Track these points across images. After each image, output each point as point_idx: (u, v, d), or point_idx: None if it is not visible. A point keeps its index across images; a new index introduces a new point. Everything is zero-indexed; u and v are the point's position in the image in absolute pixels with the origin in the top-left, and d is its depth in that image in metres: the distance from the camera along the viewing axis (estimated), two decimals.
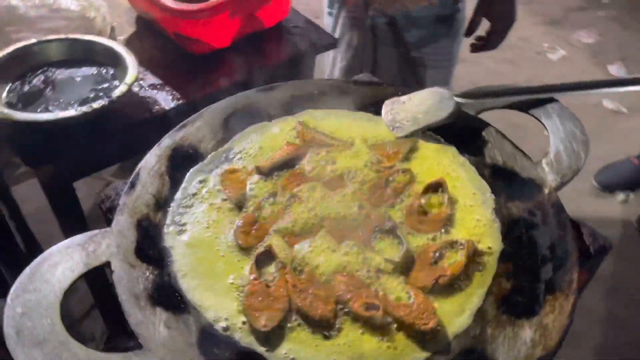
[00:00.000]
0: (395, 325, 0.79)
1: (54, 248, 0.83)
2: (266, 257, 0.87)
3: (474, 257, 0.88)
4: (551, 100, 1.11)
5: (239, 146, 1.06)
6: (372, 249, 0.89)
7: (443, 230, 0.92)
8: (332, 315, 0.79)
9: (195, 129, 1.08)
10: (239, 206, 0.95)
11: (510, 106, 1.13)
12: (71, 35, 1.23)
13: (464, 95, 1.12)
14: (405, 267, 0.86)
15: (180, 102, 1.26)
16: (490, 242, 0.91)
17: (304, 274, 0.84)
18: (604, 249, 0.94)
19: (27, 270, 0.79)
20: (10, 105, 1.11)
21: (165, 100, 1.27)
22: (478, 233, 0.92)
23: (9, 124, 1.08)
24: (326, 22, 1.80)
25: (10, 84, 1.17)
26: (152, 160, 1.01)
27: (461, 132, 1.09)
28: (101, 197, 1.00)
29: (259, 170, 1.00)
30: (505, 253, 0.89)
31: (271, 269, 0.86)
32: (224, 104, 1.14)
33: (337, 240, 0.90)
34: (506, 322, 0.80)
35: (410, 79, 1.75)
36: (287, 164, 1.03)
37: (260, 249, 0.88)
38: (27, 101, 1.14)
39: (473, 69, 3.46)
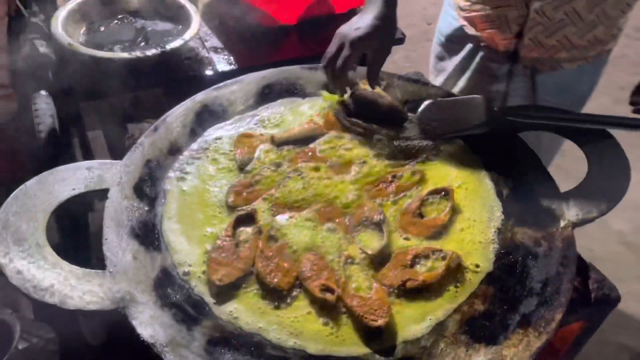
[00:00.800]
0: (345, 315, 0.77)
1: (64, 166, 0.91)
2: (246, 220, 0.89)
3: (456, 271, 0.83)
4: (603, 133, 1.00)
5: (264, 115, 1.09)
6: (351, 237, 0.87)
7: (433, 237, 0.88)
8: (286, 287, 0.79)
9: (229, 92, 1.12)
10: (242, 168, 0.98)
11: (556, 130, 1.04)
12: None
13: (505, 109, 1.05)
14: (377, 262, 0.84)
15: (233, 67, 1.32)
16: (480, 260, 0.85)
17: (276, 244, 0.85)
18: (609, 300, 0.84)
19: (35, 178, 0.88)
20: (84, 43, 1.24)
21: (220, 62, 1.33)
22: (470, 249, 0.86)
23: (76, 57, 1.20)
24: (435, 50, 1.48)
25: (88, 24, 1.30)
26: (180, 111, 1.06)
27: (494, 146, 1.03)
28: (127, 134, 1.08)
29: (272, 140, 1.02)
30: (492, 276, 0.83)
31: (248, 231, 0.87)
32: (266, 74, 1.17)
33: (322, 221, 0.89)
34: (463, 342, 0.74)
35: None
36: (303, 141, 1.03)
37: (244, 211, 0.90)
38: (99, 42, 1.26)
39: None
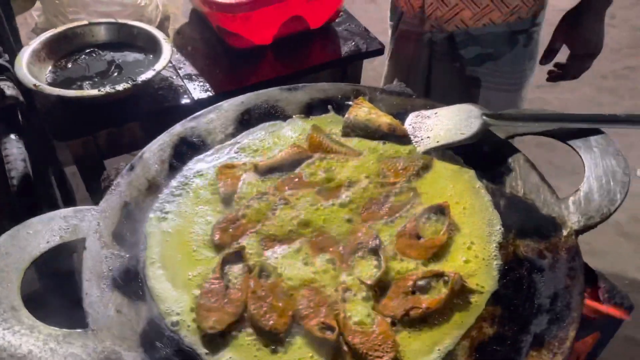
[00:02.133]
0: (349, 354, 0.72)
1: (37, 217, 0.86)
2: (235, 258, 0.84)
3: (460, 293, 0.78)
4: (597, 132, 0.97)
5: (244, 142, 1.04)
6: (348, 267, 0.82)
7: (433, 258, 0.84)
8: (283, 329, 0.74)
9: (207, 120, 1.08)
10: (226, 202, 0.93)
11: (548, 133, 1.01)
12: (119, 20, 1.29)
13: (494, 116, 1.01)
14: (378, 292, 0.79)
15: (210, 93, 1.27)
16: (484, 280, 0.80)
17: (268, 281, 0.80)
18: (622, 310, 0.80)
19: (7, 234, 0.82)
20: (51, 81, 1.19)
21: (195, 90, 1.28)
22: (472, 268, 0.82)
23: (45, 98, 1.14)
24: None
25: (55, 61, 1.25)
26: (157, 146, 1.01)
27: (486, 155, 0.99)
28: (103, 175, 1.02)
29: (256, 169, 0.97)
30: (498, 295, 0.79)
31: (237, 271, 0.82)
32: (244, 99, 1.12)
33: (315, 252, 0.84)
34: None
35: (467, 100, 1.63)
36: (288, 166, 0.99)
37: (232, 248, 0.85)
38: (68, 79, 1.21)
39: (565, 95, 3.19)
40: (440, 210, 0.89)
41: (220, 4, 1.27)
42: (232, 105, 1.11)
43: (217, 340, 0.74)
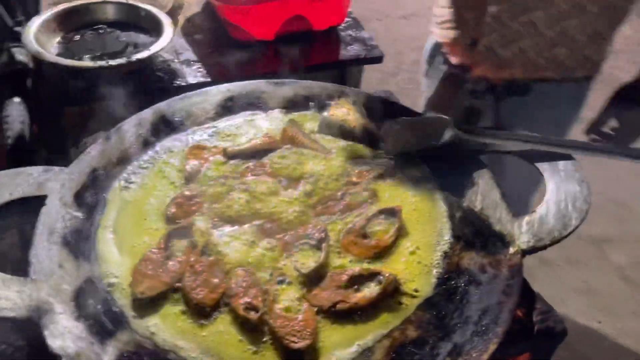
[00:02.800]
0: (269, 337, 0.74)
1: (6, 171, 0.90)
2: (182, 234, 0.86)
3: (393, 295, 0.79)
4: (567, 157, 0.96)
5: (220, 127, 1.07)
6: (289, 255, 0.84)
7: (375, 258, 0.84)
8: (211, 304, 0.76)
9: (190, 103, 1.11)
10: (189, 180, 0.96)
11: (517, 154, 1.00)
12: (130, 1, 1.35)
13: (466, 130, 1.02)
14: (312, 282, 0.80)
15: (205, 79, 1.31)
16: (420, 285, 0.81)
17: (209, 259, 0.82)
18: (554, 333, 0.79)
19: None
20: (57, 52, 1.25)
21: (191, 75, 1.33)
22: (412, 273, 0.82)
23: (47, 66, 1.21)
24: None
25: (64, 34, 1.31)
26: (136, 120, 1.06)
27: (453, 167, 0.99)
28: (81, 142, 1.07)
29: (224, 153, 1.00)
30: (431, 302, 0.79)
31: (182, 245, 0.85)
32: (230, 86, 1.16)
33: (261, 237, 0.86)
34: None
35: None
36: (256, 155, 1.01)
37: (181, 224, 0.87)
38: (73, 51, 1.27)
39: None
40: (392, 213, 0.89)
41: None
42: (218, 91, 1.15)
43: (146, 306, 0.76)
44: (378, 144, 1.05)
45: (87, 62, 1.19)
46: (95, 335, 0.72)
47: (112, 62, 1.18)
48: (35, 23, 1.27)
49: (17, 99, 1.33)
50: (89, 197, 0.92)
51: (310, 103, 1.15)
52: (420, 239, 0.88)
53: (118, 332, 0.73)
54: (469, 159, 1.00)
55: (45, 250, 0.80)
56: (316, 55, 1.45)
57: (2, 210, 0.86)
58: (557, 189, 0.92)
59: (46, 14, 1.30)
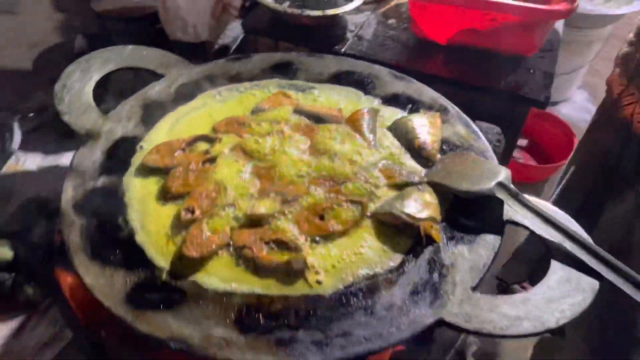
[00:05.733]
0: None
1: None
2: (209, 139, 1.03)
3: (297, 274, 0.82)
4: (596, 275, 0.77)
5: (317, 92, 1.19)
6: (259, 197, 0.92)
7: (317, 238, 0.87)
8: (174, 191, 0.92)
9: (318, 63, 1.25)
10: (254, 111, 1.11)
11: (544, 241, 0.84)
12: None
13: (507, 190, 0.89)
14: (250, 223, 0.88)
15: (357, 54, 1.43)
16: (327, 284, 0.81)
17: (205, 166, 0.97)
18: None
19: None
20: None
21: (352, 47, 1.45)
22: (333, 268, 0.83)
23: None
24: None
25: None
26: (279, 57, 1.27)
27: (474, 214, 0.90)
28: None
29: (297, 105, 1.11)
30: (318, 300, 0.79)
31: (202, 147, 1.02)
32: (353, 63, 1.24)
33: (253, 175, 0.97)
34: None
35: None
36: (319, 120, 1.09)
37: (217, 134, 1.04)
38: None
39: None
40: (363, 206, 0.89)
41: None
42: (339, 62, 1.25)
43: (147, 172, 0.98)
44: (427, 165, 1.01)
45: (279, 5, 1.47)
46: None
47: (309, 13, 1.43)
48: None
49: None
50: (186, 89, 1.16)
51: (409, 105, 1.15)
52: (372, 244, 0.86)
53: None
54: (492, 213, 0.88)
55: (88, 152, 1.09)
56: (476, 75, 1.38)
57: None
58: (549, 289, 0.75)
59: None
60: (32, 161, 2.48)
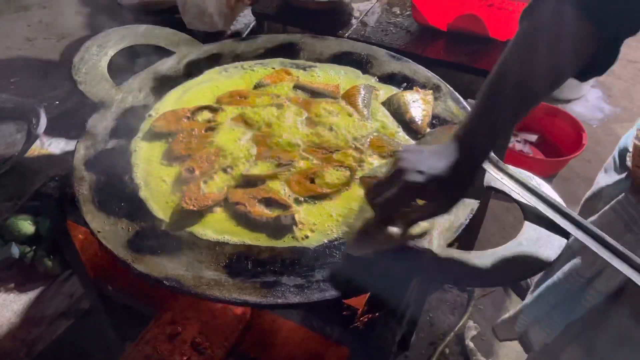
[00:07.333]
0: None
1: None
2: (213, 109, 1.10)
3: (289, 228, 0.88)
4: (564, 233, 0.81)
5: (318, 70, 1.25)
6: (256, 162, 0.99)
7: (307, 198, 0.93)
8: (176, 154, 1.00)
9: (320, 44, 1.31)
10: (257, 86, 1.18)
11: (522, 206, 0.88)
12: None
13: (491, 159, 0.93)
14: (245, 183, 0.95)
15: (361, 39, 1.49)
16: (313, 238, 0.87)
17: (207, 132, 1.05)
18: None
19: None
20: None
21: (355, 31, 1.51)
22: (321, 222, 0.89)
23: None
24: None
25: None
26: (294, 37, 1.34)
27: None
28: None
29: (297, 82, 1.18)
30: (305, 251, 0.85)
31: (205, 116, 1.09)
32: (353, 45, 1.30)
33: (252, 142, 1.04)
34: None
35: None
36: (317, 95, 1.15)
37: (221, 105, 1.12)
38: None
39: None
40: (352, 170, 0.95)
41: None
42: (340, 44, 1.31)
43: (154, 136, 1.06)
44: (417, 137, 1.06)
45: None
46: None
47: None
48: None
49: None
50: (194, 65, 1.24)
51: (404, 83, 1.20)
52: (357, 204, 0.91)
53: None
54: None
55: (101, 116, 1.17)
56: (477, 59, 1.42)
57: None
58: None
59: None
60: (56, 145, 2.60)
